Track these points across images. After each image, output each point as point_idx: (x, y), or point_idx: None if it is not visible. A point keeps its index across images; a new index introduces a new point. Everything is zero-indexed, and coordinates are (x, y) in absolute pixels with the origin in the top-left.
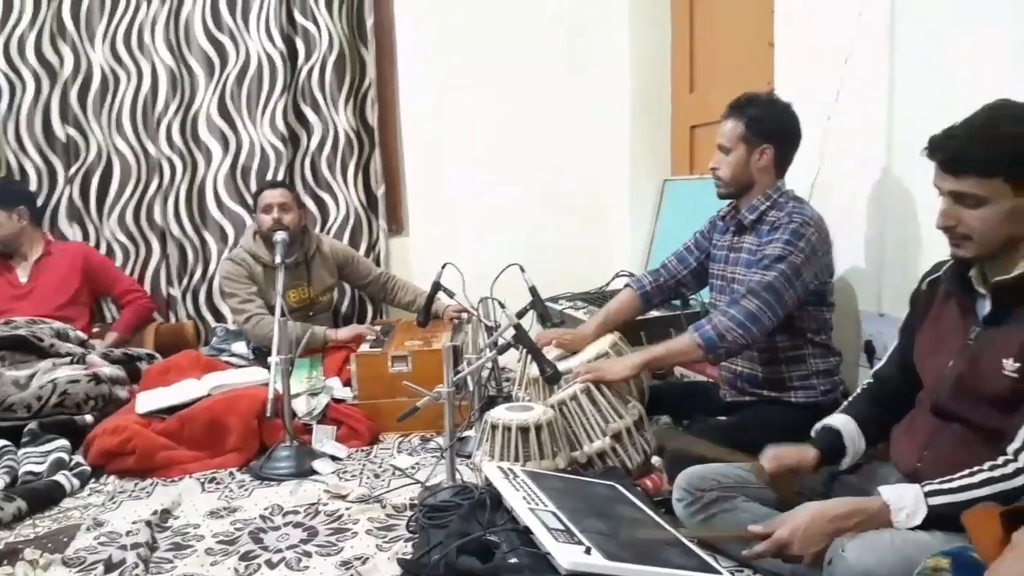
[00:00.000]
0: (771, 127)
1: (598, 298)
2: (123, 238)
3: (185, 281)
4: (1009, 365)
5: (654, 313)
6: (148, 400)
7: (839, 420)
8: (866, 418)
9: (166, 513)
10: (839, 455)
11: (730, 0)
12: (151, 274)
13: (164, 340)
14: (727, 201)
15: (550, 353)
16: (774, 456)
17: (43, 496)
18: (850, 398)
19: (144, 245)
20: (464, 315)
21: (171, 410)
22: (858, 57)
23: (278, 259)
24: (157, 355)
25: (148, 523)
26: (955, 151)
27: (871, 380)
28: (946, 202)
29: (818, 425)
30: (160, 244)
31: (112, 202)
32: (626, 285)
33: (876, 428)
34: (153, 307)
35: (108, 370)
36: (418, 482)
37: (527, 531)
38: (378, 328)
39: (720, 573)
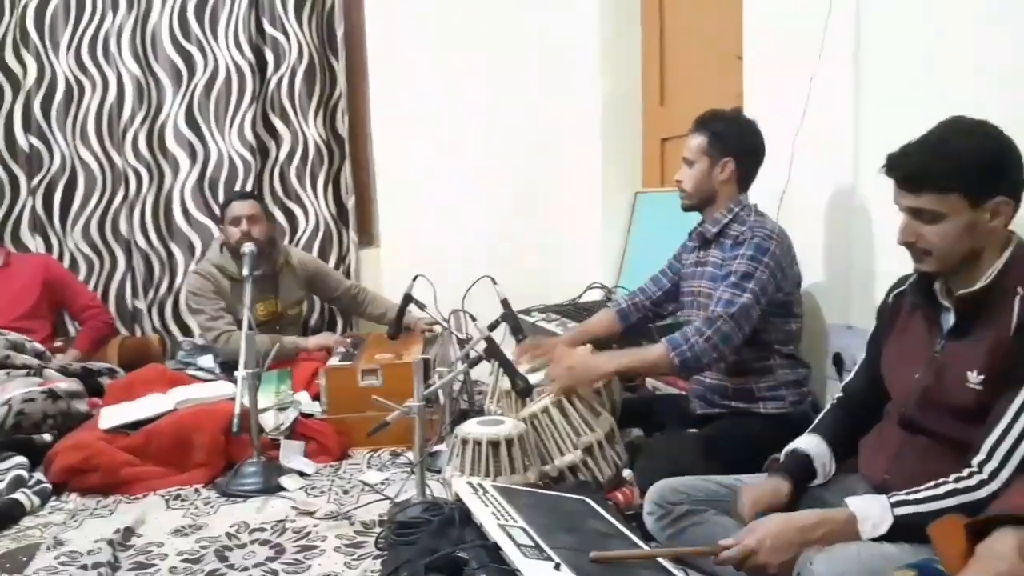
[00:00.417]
0: (733, 141)
1: (571, 310)
2: (87, 250)
3: (151, 294)
4: (973, 377)
5: None
6: (112, 415)
7: (810, 443)
8: (837, 435)
9: (129, 531)
10: (810, 479)
11: (700, 14)
12: (116, 286)
13: (128, 354)
14: (697, 214)
15: (522, 366)
16: (751, 503)
17: (1, 514)
18: (820, 414)
19: (109, 257)
20: (436, 328)
21: (136, 425)
22: (824, 73)
23: (245, 271)
24: (119, 369)
25: (110, 542)
26: (911, 168)
27: (841, 394)
28: (905, 218)
29: (788, 448)
30: (125, 256)
31: (76, 213)
32: (603, 303)
33: (847, 444)
34: (111, 325)
35: (65, 384)
36: (387, 498)
37: (496, 547)
38: (348, 340)
39: None
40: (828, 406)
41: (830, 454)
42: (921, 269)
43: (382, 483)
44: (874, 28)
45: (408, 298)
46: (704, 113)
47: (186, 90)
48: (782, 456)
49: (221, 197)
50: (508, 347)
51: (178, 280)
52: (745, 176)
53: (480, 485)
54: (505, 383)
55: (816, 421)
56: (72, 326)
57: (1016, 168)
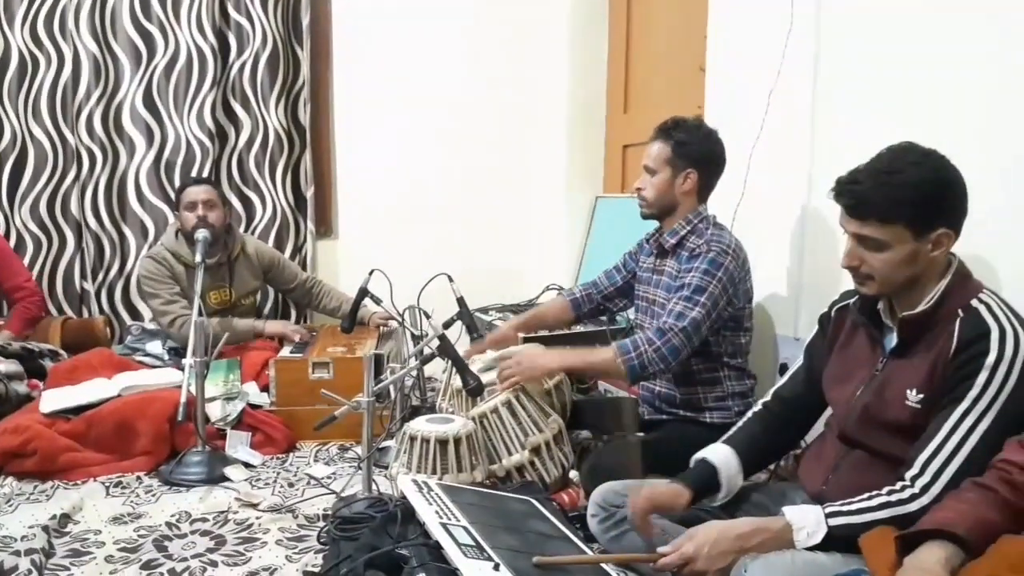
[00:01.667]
0: (696, 152)
1: (527, 310)
2: (35, 228)
3: (101, 276)
4: (912, 396)
5: (579, 328)
6: (53, 399)
7: (719, 455)
8: (752, 446)
9: (66, 518)
10: (713, 491)
11: (665, 25)
12: (64, 267)
13: (72, 336)
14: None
15: (475, 364)
16: (648, 497)
17: None
18: (740, 422)
19: (58, 237)
20: (391, 323)
21: (78, 410)
22: (783, 89)
23: (198, 258)
24: (62, 352)
25: (45, 528)
26: (858, 197)
27: (768, 399)
28: (850, 243)
29: (697, 456)
30: (75, 237)
31: (25, 190)
32: (558, 293)
33: (763, 455)
34: (42, 308)
35: (3, 366)
36: (333, 492)
37: (438, 546)
38: (305, 330)
39: None
40: (751, 412)
41: (739, 469)
42: (863, 292)
43: (328, 477)
44: (833, 47)
45: (364, 292)
46: (667, 121)
47: (145, 71)
48: (691, 462)
49: (177, 181)
50: (463, 345)
51: (129, 263)
52: (706, 186)
53: (425, 483)
54: (457, 381)
55: (732, 431)
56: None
57: (959, 201)
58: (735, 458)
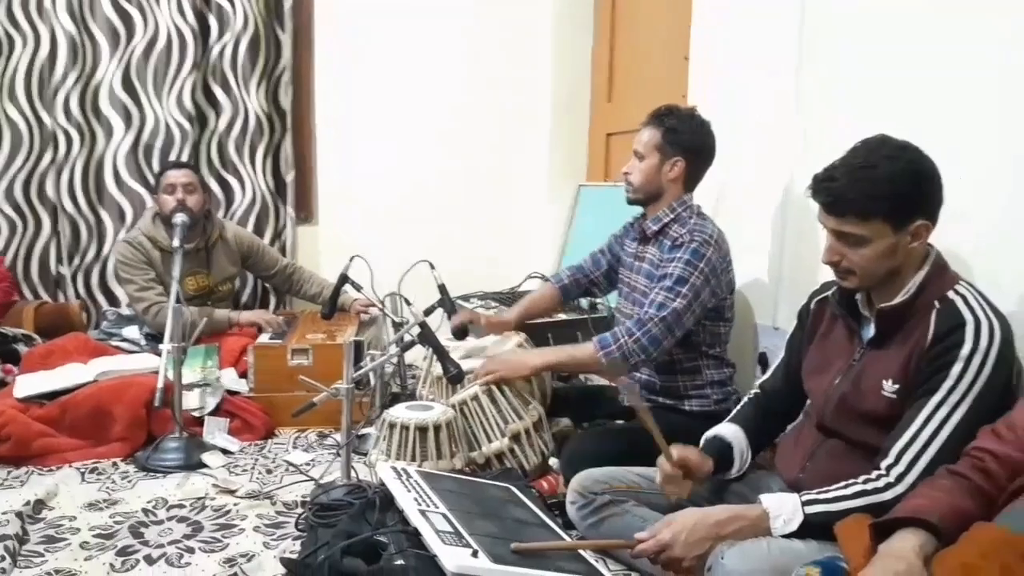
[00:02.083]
0: (686, 140)
1: (509, 298)
2: (10, 211)
3: (77, 260)
4: (888, 386)
5: (561, 316)
6: (28, 384)
7: (729, 431)
8: (754, 427)
9: (40, 504)
10: (728, 466)
11: (650, 14)
12: (39, 251)
13: (46, 320)
14: (638, 209)
15: (456, 352)
16: (683, 448)
17: None
18: (738, 406)
19: (33, 220)
20: (371, 310)
21: (53, 395)
22: (768, 79)
23: (176, 243)
24: (36, 336)
25: (19, 514)
26: (835, 194)
27: (757, 390)
28: (830, 239)
29: (709, 434)
30: (51, 220)
31: (0, 172)
32: (546, 279)
33: (762, 437)
34: (12, 294)
35: None
36: (311, 479)
37: (417, 533)
38: (281, 319)
39: None
40: (745, 399)
41: (747, 445)
42: (845, 286)
43: (307, 464)
44: (818, 39)
45: (344, 278)
46: (660, 107)
47: (123, 52)
48: (702, 442)
49: (156, 164)
50: (443, 333)
51: (106, 247)
52: (693, 176)
53: (404, 470)
54: (437, 369)
55: (735, 411)
56: None
57: (936, 191)
58: (743, 434)
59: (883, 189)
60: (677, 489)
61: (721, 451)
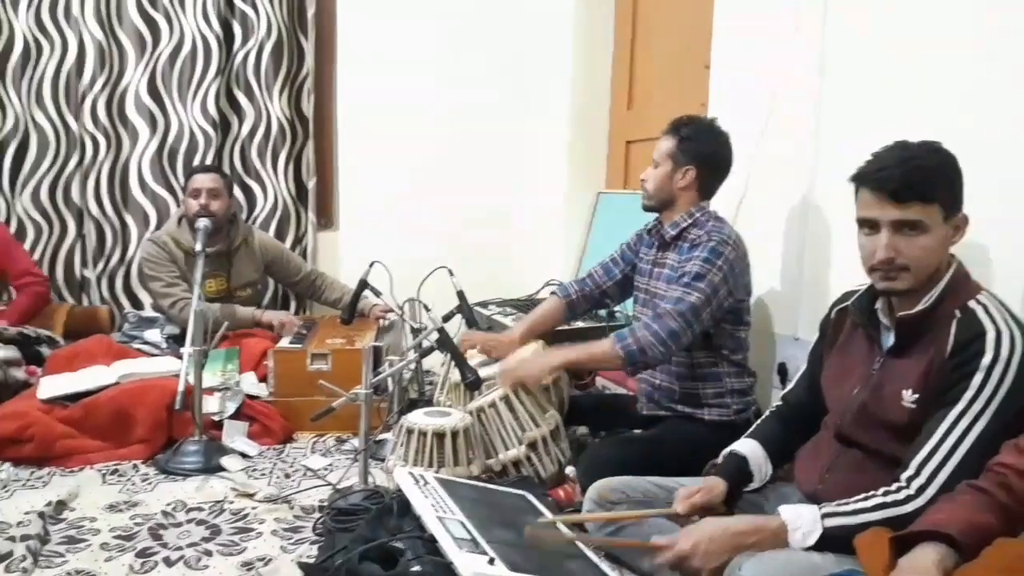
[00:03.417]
0: (699, 150)
1: (527, 305)
2: (36, 215)
3: (101, 264)
4: (908, 396)
5: (579, 324)
6: (52, 385)
7: (746, 446)
8: (774, 441)
9: (61, 504)
10: (746, 482)
11: (671, 21)
12: (64, 254)
13: (76, 323)
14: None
15: (474, 358)
16: (687, 497)
17: None
18: (759, 420)
19: (59, 223)
20: (390, 315)
21: (76, 397)
22: (788, 88)
23: (198, 247)
24: (59, 339)
25: (41, 514)
26: (900, 180)
27: (780, 402)
28: (887, 234)
29: (726, 451)
30: (76, 224)
31: (27, 176)
32: (552, 293)
33: (783, 450)
34: (46, 296)
35: (1, 352)
36: (329, 484)
37: (433, 539)
38: (301, 322)
39: None
40: (767, 413)
41: (766, 458)
42: (894, 288)
43: (325, 469)
44: (838, 49)
45: (364, 284)
46: (681, 117)
47: (150, 59)
48: (719, 459)
49: (180, 169)
50: (459, 334)
51: (131, 251)
52: (706, 185)
53: (422, 476)
54: (455, 375)
55: (754, 427)
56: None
57: (963, 188)
58: (760, 448)
59: (937, 175)
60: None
61: (738, 467)
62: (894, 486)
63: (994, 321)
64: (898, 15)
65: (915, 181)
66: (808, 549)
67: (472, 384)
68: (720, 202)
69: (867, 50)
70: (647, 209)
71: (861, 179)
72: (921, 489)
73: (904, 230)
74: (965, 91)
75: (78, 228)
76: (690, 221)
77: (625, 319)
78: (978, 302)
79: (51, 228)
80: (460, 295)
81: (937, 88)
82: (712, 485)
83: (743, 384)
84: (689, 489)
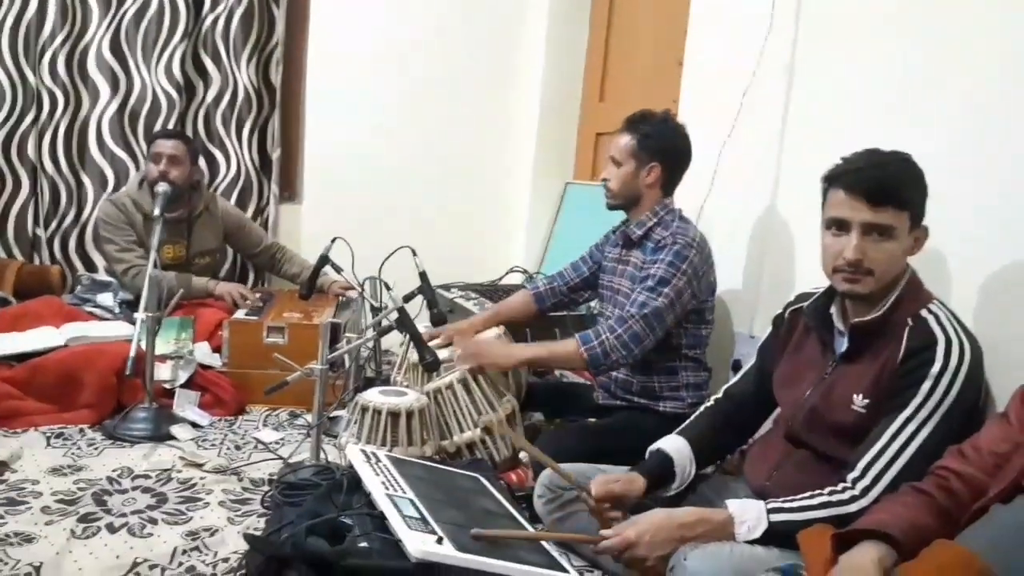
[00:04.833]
0: (661, 145)
1: (490, 290)
2: None
3: (55, 223)
4: (859, 400)
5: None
6: None
7: (673, 445)
8: (704, 440)
9: (3, 465)
10: (668, 481)
11: (647, 16)
12: (16, 211)
13: (26, 282)
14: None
15: (433, 341)
16: (603, 482)
17: None
18: (693, 416)
19: (12, 179)
20: (350, 292)
21: (22, 358)
22: (757, 90)
23: (156, 211)
24: (11, 298)
25: None
26: (882, 182)
27: (720, 396)
28: (857, 236)
29: (653, 447)
30: (31, 180)
31: None
32: (522, 286)
33: (714, 450)
34: None
35: None
36: (280, 458)
37: (382, 517)
38: (258, 296)
39: (568, 572)
40: (703, 407)
41: (691, 460)
42: (856, 291)
43: (276, 442)
44: (810, 51)
45: (324, 259)
46: (634, 114)
47: (114, 16)
48: (647, 453)
49: (142, 131)
50: (422, 320)
51: (86, 212)
52: (669, 179)
53: (374, 454)
54: (413, 355)
55: (687, 423)
56: None
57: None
58: (688, 449)
59: (912, 183)
60: (606, 520)
61: (661, 466)
62: (840, 486)
63: (945, 331)
64: (870, 20)
65: (891, 186)
66: (753, 542)
67: (430, 365)
68: (686, 201)
69: (838, 53)
70: (612, 208)
71: (836, 179)
72: (866, 490)
73: (873, 234)
74: (937, 96)
75: (32, 185)
76: (655, 220)
77: (587, 310)
78: (930, 311)
79: (3, 183)
80: (422, 276)
81: (908, 93)
82: (632, 478)
83: (699, 379)
84: (608, 476)
